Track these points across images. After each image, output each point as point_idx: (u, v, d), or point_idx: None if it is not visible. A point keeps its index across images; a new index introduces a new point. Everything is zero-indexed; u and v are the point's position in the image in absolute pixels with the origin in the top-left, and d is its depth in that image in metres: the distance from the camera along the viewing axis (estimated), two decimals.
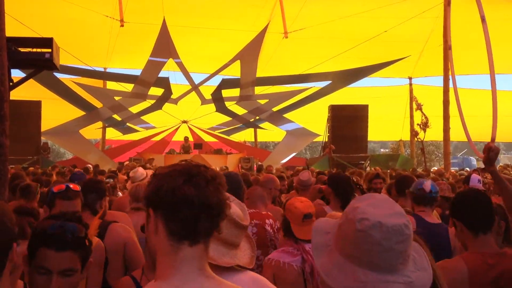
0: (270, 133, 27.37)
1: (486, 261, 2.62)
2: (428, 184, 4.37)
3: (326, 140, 22.14)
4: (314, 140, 26.72)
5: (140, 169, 7.07)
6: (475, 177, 6.15)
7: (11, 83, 6.44)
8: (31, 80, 16.31)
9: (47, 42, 6.55)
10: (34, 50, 6.48)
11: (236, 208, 2.19)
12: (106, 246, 3.35)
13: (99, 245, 3.13)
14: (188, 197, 1.42)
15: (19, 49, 6.42)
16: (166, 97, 22.04)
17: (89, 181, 4.02)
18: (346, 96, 23.16)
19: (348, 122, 21.08)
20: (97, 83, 22.69)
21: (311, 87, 22.44)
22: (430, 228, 3.84)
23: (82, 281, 2.09)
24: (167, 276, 1.44)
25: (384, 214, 1.46)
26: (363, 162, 21.01)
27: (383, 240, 1.42)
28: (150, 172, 7.02)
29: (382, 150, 51.12)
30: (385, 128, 26.52)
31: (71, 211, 2.14)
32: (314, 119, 23.70)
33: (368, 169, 19.71)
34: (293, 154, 24.93)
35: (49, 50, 6.50)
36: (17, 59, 6.39)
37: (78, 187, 3.13)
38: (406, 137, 26.29)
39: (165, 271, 1.45)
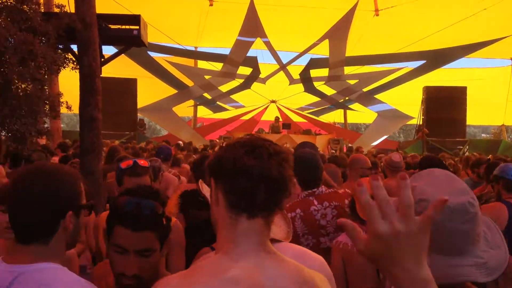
0: (361, 114, 26.76)
1: None
2: None
3: (421, 123, 21.30)
4: (408, 123, 25.79)
5: None
6: None
7: (102, 59, 6.74)
8: (127, 59, 17.22)
9: (135, 19, 6.75)
10: (123, 27, 6.73)
11: None
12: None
13: (176, 225, 2.94)
14: (247, 167, 1.37)
15: (109, 25, 6.69)
16: (254, 77, 22.19)
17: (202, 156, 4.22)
18: (442, 77, 22.10)
19: (445, 105, 20.14)
20: (188, 62, 23.30)
21: (404, 68, 21.56)
22: None
23: (161, 260, 1.97)
24: (226, 249, 1.40)
25: (445, 192, 1.32)
26: (460, 147, 20.02)
27: (446, 221, 1.31)
28: None
29: (483, 135, 48.37)
30: (486, 112, 25.08)
31: (147, 186, 2.00)
32: (408, 101, 22.87)
33: (467, 154, 18.79)
34: (385, 137, 24.20)
35: (137, 27, 6.71)
36: (107, 36, 6.67)
37: (147, 163, 2.98)
38: (509, 121, 24.64)
39: (224, 244, 1.41)
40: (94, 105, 6.49)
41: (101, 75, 6.46)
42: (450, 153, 16.55)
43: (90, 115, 6.40)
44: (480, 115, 24.45)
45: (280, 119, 23.98)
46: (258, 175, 1.36)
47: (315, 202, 3.48)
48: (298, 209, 3.43)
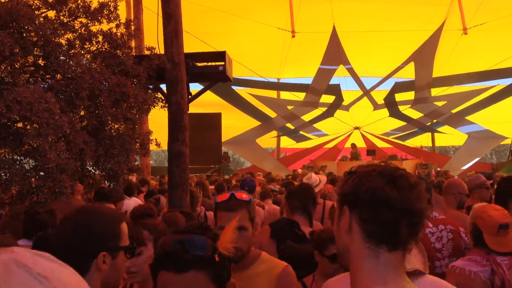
0: (449, 137, 25.70)
1: None
2: None
3: None
4: (501, 143, 24.37)
5: (313, 175, 7.05)
6: None
7: (189, 96, 6.92)
8: (212, 94, 17.77)
9: (221, 55, 6.88)
10: (209, 64, 6.89)
11: None
12: None
13: (287, 271, 2.64)
14: (390, 199, 1.34)
15: (196, 63, 6.88)
16: (337, 104, 22.01)
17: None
18: None
19: None
20: (270, 93, 23.57)
21: (496, 85, 20.48)
22: None
23: None
24: (371, 282, 1.38)
25: None
26: None
27: None
28: (323, 177, 6.98)
29: None
30: None
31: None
32: (500, 120, 21.68)
33: None
34: (476, 160, 22.98)
35: (223, 63, 6.83)
36: (194, 73, 6.85)
37: (247, 196, 2.62)
38: None
39: (366, 276, 1.39)
40: (182, 140, 6.64)
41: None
42: None
43: (178, 150, 6.55)
44: None
45: (359, 145, 23.59)
46: (400, 208, 1.34)
47: (430, 225, 3.50)
48: None
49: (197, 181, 9.68)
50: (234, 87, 20.88)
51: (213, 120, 19.98)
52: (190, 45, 6.78)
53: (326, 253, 3.06)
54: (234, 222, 1.89)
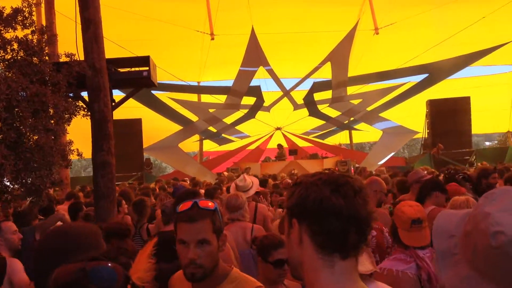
0: (366, 134, 26.69)
1: None
2: None
3: (426, 136, 21.22)
4: (413, 138, 25.70)
5: (247, 177, 7.03)
6: None
7: (113, 103, 6.70)
8: (131, 99, 17.30)
9: (144, 60, 6.73)
10: (133, 69, 6.71)
11: None
12: None
13: None
14: (337, 208, 1.34)
15: (118, 69, 6.68)
16: (258, 106, 22.21)
17: (181, 193, 4.01)
18: (444, 89, 22.10)
19: (449, 117, 20.16)
20: (191, 97, 23.38)
21: (407, 83, 21.57)
22: None
23: None
24: None
25: None
26: (468, 157, 19.95)
27: None
28: (255, 180, 6.98)
29: (487, 143, 48.17)
30: (490, 120, 24.99)
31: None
32: (411, 116, 22.85)
33: (474, 164, 18.70)
34: (391, 154, 24.08)
35: (147, 68, 6.69)
36: (117, 79, 6.65)
37: (212, 205, 2.24)
38: None
39: (328, 286, 1.38)
40: (107, 150, 6.43)
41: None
42: (456, 164, 16.44)
43: (103, 160, 6.34)
44: (484, 123, 24.42)
45: (284, 146, 23.96)
46: (347, 216, 1.34)
47: None
48: None
49: (121, 190, 9.35)
50: (154, 92, 20.49)
51: (133, 126, 19.54)
52: (109, 52, 6.54)
53: (270, 259, 3.04)
54: (149, 247, 1.77)
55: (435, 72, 20.34)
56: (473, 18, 18.12)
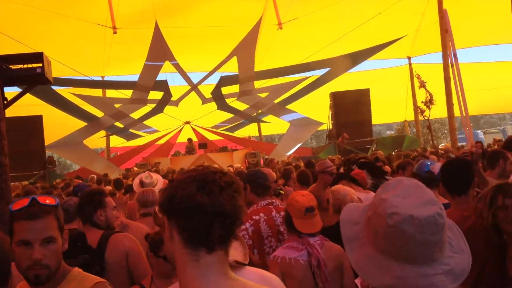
0: (274, 126, 27.26)
1: (463, 214, 3.23)
2: (437, 167, 4.32)
3: (331, 127, 22.07)
4: (319, 129, 26.63)
5: (153, 175, 7.06)
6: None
7: (5, 101, 6.40)
8: (31, 96, 16.51)
9: (38, 56, 6.49)
10: (25, 66, 6.44)
11: None
12: (107, 257, 3.31)
13: None
14: (201, 205, 1.39)
15: (11, 66, 6.38)
16: (166, 100, 21.99)
17: (85, 193, 3.96)
18: (346, 82, 23.08)
19: (351, 108, 21.06)
20: (96, 92, 22.66)
21: (311, 76, 22.30)
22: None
23: None
24: (195, 286, 1.42)
25: (415, 204, 1.38)
26: (369, 146, 20.98)
27: (417, 233, 1.35)
28: (159, 177, 7.01)
29: (388, 132, 50.94)
30: (389, 110, 26.43)
31: None
32: (317, 108, 23.63)
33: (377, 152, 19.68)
34: (299, 145, 24.81)
35: (40, 64, 6.45)
36: (9, 77, 6.35)
37: (53, 200, 2.11)
38: (411, 117, 26.17)
39: (190, 281, 1.43)
40: (0, 150, 6.15)
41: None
42: (359, 152, 17.32)
43: None
44: (384, 113, 25.73)
45: (194, 139, 23.92)
46: (212, 213, 1.39)
47: (274, 210, 3.94)
48: (261, 213, 3.89)
49: (25, 190, 8.96)
50: (54, 87, 19.64)
51: (33, 124, 18.66)
52: (4, 47, 6.25)
53: (160, 254, 3.09)
54: None
55: (336, 66, 21.22)
56: (370, 13, 19.06)
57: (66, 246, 2.13)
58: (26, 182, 15.55)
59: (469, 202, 3.39)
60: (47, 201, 2.07)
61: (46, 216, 2.03)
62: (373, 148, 20.90)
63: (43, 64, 6.45)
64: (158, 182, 6.63)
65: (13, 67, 6.42)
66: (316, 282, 3.08)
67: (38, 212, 2.01)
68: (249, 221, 3.83)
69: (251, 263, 2.27)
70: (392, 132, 45.58)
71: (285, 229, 3.64)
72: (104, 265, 3.31)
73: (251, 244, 3.72)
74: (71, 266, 2.23)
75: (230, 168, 13.12)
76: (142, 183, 6.68)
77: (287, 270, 3.10)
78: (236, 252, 2.20)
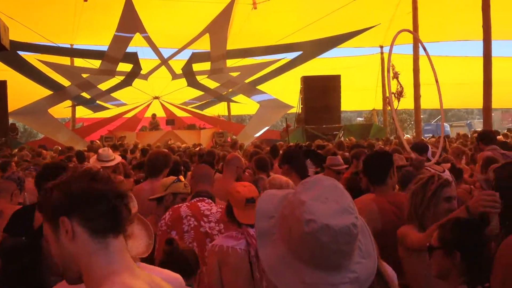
0: (244, 106, 27.18)
1: (388, 200, 3.66)
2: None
3: (300, 112, 22.11)
4: (289, 112, 26.67)
5: (110, 150, 6.99)
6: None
7: None
8: None
9: None
10: None
11: None
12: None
13: None
14: (101, 191, 1.47)
15: None
16: (135, 73, 21.64)
17: (46, 166, 3.87)
18: (318, 67, 23.11)
19: (321, 93, 21.04)
20: (63, 60, 22.12)
21: (282, 59, 22.23)
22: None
23: None
24: (107, 273, 1.45)
25: (332, 212, 1.38)
26: (336, 132, 21.13)
27: (331, 243, 1.36)
28: (118, 157, 6.91)
29: (358, 119, 51.45)
30: (359, 98, 26.65)
31: None
32: (288, 91, 23.62)
33: (342, 139, 19.84)
34: (267, 128, 24.86)
35: None
36: None
37: None
38: (379, 106, 26.42)
39: (102, 269, 1.46)
40: None
41: None
42: (325, 138, 17.42)
43: None
44: (354, 101, 25.90)
45: (160, 115, 23.72)
46: (113, 196, 1.49)
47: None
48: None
49: None
50: (21, 53, 19.13)
51: None
52: None
53: None
54: None
55: (308, 50, 21.19)
56: (344, 0, 19.01)
57: None
58: None
59: (389, 190, 3.81)
60: None
61: None
62: (340, 135, 21.07)
63: None
64: (116, 159, 6.54)
65: None
66: (252, 271, 3.10)
67: None
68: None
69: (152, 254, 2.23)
70: (362, 119, 46.08)
71: (212, 213, 3.68)
72: (43, 250, 3.11)
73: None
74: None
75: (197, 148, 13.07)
76: (98, 156, 6.59)
77: (224, 258, 3.13)
78: (138, 242, 2.16)
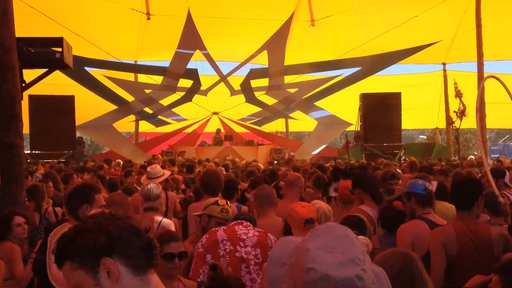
0: (302, 123, 27.04)
1: (468, 227, 3.55)
2: (435, 184, 4.25)
3: (359, 129, 21.77)
4: (348, 130, 26.32)
5: (158, 167, 7.09)
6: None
7: (23, 84, 6.52)
8: (64, 76, 16.88)
9: (57, 41, 6.59)
10: (45, 49, 6.54)
11: None
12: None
13: None
14: (136, 227, 1.48)
15: (30, 49, 6.49)
16: (195, 89, 22.04)
17: (77, 186, 3.98)
18: (378, 84, 22.74)
19: (381, 111, 20.65)
20: (128, 76, 22.91)
21: (341, 75, 21.99)
22: None
23: None
24: None
25: (336, 262, 1.31)
26: (397, 151, 20.63)
27: None
28: (167, 172, 7.03)
29: (421, 137, 49.96)
30: (420, 116, 25.92)
31: None
32: (346, 109, 23.33)
33: (403, 158, 19.33)
34: (325, 145, 24.58)
35: (60, 49, 6.54)
36: (28, 59, 6.46)
37: None
38: (442, 125, 25.59)
39: None
40: (15, 132, 6.25)
41: (22, 100, 6.25)
42: (384, 156, 16.98)
43: (11, 142, 6.17)
44: (415, 119, 25.25)
45: (222, 131, 23.94)
46: (145, 230, 1.49)
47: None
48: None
49: (46, 172, 9.16)
50: (88, 69, 19.98)
51: (65, 103, 19.05)
52: (40, 27, 6.35)
53: (160, 253, 3.10)
54: None
55: (368, 66, 20.86)
56: (406, 16, 18.64)
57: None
58: (55, 162, 15.97)
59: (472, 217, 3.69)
60: None
61: None
62: (401, 154, 20.55)
63: (62, 49, 6.54)
64: (164, 175, 6.65)
65: (33, 50, 6.53)
66: None
67: None
68: None
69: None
70: (425, 137, 44.74)
71: (248, 237, 3.57)
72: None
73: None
74: None
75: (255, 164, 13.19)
76: (147, 174, 6.72)
77: None
78: None
